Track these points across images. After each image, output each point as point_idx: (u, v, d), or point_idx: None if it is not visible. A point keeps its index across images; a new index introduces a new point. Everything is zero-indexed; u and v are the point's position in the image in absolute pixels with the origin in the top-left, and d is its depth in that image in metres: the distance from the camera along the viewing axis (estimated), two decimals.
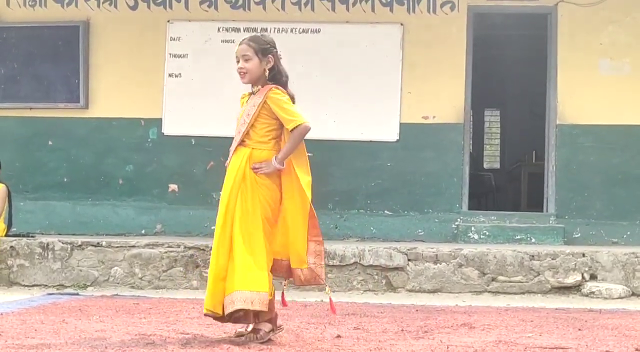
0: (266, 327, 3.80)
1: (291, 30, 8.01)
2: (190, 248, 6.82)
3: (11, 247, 6.95)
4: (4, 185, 7.31)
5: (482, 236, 7.76)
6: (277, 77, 3.92)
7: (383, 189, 8.03)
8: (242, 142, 3.93)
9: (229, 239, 3.80)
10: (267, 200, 3.84)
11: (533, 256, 6.59)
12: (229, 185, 3.88)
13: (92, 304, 5.57)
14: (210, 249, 6.82)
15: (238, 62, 3.92)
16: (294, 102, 3.92)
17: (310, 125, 3.85)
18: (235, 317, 3.78)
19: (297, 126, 3.80)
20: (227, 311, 3.73)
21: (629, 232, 7.81)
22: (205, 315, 3.86)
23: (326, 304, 4.94)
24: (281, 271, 3.90)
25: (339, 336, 4.06)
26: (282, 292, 3.98)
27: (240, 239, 3.76)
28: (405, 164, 8.01)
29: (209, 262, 6.65)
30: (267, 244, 3.80)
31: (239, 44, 3.92)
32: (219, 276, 3.79)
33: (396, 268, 6.64)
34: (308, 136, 3.88)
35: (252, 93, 3.96)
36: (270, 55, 3.90)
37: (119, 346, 3.67)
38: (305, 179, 3.84)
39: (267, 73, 3.90)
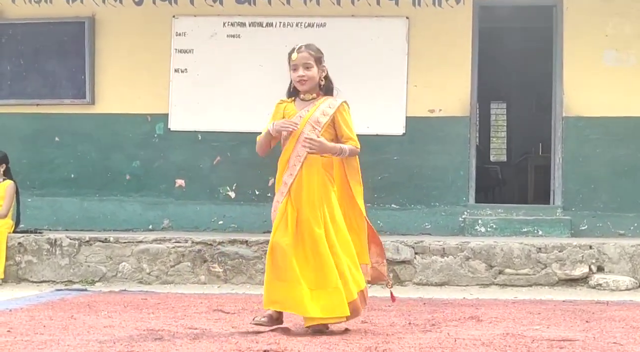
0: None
1: (296, 25, 8.01)
2: (197, 243, 6.84)
3: (19, 243, 6.98)
4: (12, 181, 7.34)
5: (489, 229, 7.76)
6: (330, 86, 4.10)
7: (389, 182, 8.03)
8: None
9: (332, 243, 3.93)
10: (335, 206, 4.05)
11: (540, 249, 6.59)
12: (307, 191, 3.96)
13: (100, 299, 5.60)
14: (218, 244, 6.89)
15: (295, 70, 3.99)
16: None
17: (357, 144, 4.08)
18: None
19: (354, 146, 4.05)
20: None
21: (635, 224, 7.80)
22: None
23: None
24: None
25: (346, 329, 4.07)
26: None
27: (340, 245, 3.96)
28: (412, 157, 8.01)
29: (216, 257, 6.75)
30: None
31: (297, 52, 3.98)
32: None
33: (403, 261, 6.65)
34: None
35: (303, 100, 4.05)
36: (323, 64, 4.06)
37: (127, 342, 3.68)
38: (356, 188, 4.18)
39: (322, 81, 4.05)
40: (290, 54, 4.00)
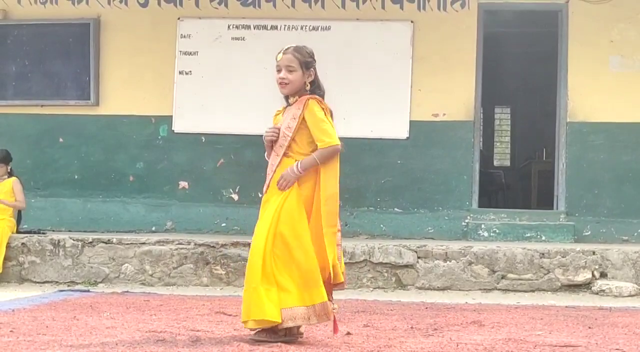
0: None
1: (301, 28, 8.02)
2: (200, 245, 6.85)
3: (22, 244, 6.98)
4: (15, 177, 7.36)
5: (492, 234, 7.75)
6: (316, 91, 3.87)
7: (393, 186, 8.03)
8: (285, 154, 3.84)
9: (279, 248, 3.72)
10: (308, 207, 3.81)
11: (543, 254, 6.57)
12: (273, 197, 3.79)
13: (102, 300, 5.60)
14: (221, 246, 6.88)
15: (279, 71, 3.82)
16: (332, 117, 3.88)
17: (340, 147, 3.82)
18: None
19: (326, 146, 3.77)
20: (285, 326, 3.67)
21: (639, 230, 7.78)
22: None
23: (336, 301, 4.94)
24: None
25: (348, 333, 4.07)
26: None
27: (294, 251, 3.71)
28: (415, 161, 8.01)
29: (219, 259, 6.75)
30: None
31: (283, 53, 3.83)
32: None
33: (406, 266, 6.64)
34: None
35: (289, 105, 3.89)
36: (312, 69, 3.85)
37: (129, 343, 3.68)
38: (328, 190, 3.83)
39: (308, 87, 3.85)
40: (276, 55, 3.87)
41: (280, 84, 3.84)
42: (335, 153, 3.83)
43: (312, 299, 3.64)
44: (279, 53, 3.86)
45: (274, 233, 3.71)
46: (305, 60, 3.83)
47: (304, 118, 3.79)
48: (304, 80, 3.83)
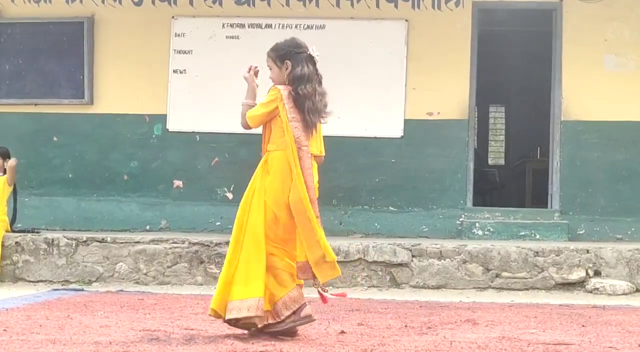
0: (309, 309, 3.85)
1: (295, 26, 8.01)
2: (194, 244, 6.84)
3: (16, 242, 6.97)
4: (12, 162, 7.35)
5: (486, 232, 7.76)
6: (295, 81, 3.88)
7: (387, 185, 8.03)
8: (265, 149, 3.97)
9: (240, 245, 3.84)
10: (275, 204, 3.82)
11: (537, 252, 6.59)
12: (247, 194, 3.93)
13: (97, 299, 5.59)
14: (215, 245, 6.89)
15: None
16: (325, 100, 3.94)
17: (249, 126, 3.97)
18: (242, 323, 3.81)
19: (245, 115, 3.96)
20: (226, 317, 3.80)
21: (633, 229, 7.80)
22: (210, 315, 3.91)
23: (331, 300, 4.94)
24: (307, 272, 3.81)
25: (342, 332, 4.07)
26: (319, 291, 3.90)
27: (246, 246, 3.82)
28: (410, 160, 8.01)
29: (213, 258, 6.75)
30: (270, 249, 3.80)
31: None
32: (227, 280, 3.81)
33: (400, 264, 6.65)
34: None
35: None
36: (287, 61, 3.89)
37: (123, 342, 3.68)
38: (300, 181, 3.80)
39: (286, 79, 3.90)
40: None
41: None
42: (242, 121, 4.01)
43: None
44: None
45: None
46: (278, 55, 3.92)
47: (275, 108, 3.87)
48: (282, 75, 3.91)
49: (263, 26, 8.06)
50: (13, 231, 7.20)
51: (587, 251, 6.59)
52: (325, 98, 3.96)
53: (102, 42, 8.28)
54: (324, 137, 4.06)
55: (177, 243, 6.87)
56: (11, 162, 7.26)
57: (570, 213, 7.86)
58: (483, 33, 8.34)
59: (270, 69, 3.94)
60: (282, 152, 3.84)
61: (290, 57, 3.89)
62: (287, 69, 3.89)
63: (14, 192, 7.38)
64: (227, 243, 6.74)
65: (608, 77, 7.87)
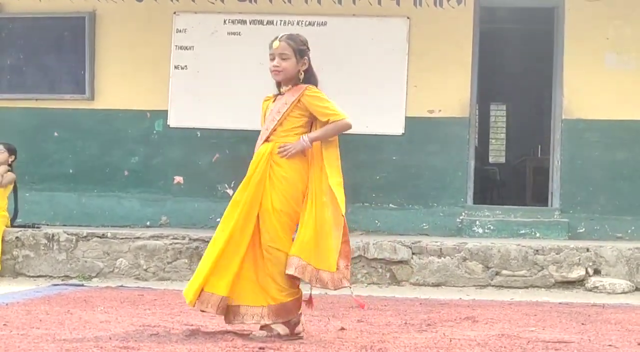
0: (280, 329, 3.73)
1: (297, 23, 8.00)
2: (195, 240, 6.85)
3: (17, 238, 6.98)
4: (12, 174, 7.35)
5: (486, 230, 7.75)
6: (310, 80, 3.88)
7: (388, 182, 8.03)
8: (266, 139, 3.86)
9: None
10: (285, 196, 3.74)
11: (537, 251, 6.59)
12: (246, 182, 3.80)
13: (97, 295, 5.60)
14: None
15: (273, 59, 3.82)
16: None
17: (351, 123, 3.84)
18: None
19: (335, 120, 3.80)
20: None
21: (633, 227, 7.80)
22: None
23: (330, 297, 4.95)
24: (306, 273, 3.67)
25: (342, 329, 4.07)
26: (310, 294, 3.84)
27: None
28: (411, 157, 8.00)
29: None
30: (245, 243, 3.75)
31: (278, 40, 3.81)
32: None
33: (400, 261, 6.65)
34: None
35: (280, 93, 3.89)
36: (306, 57, 3.86)
37: (123, 337, 3.68)
38: (335, 179, 3.79)
39: (301, 75, 3.85)
40: (270, 43, 3.86)
41: (273, 71, 3.84)
42: (345, 128, 3.85)
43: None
44: (273, 41, 3.85)
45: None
46: (299, 48, 3.84)
47: (297, 105, 3.81)
48: (297, 69, 3.84)
49: (265, 23, 8.05)
50: (13, 226, 7.21)
51: (587, 250, 6.59)
52: None
53: (103, 38, 8.27)
54: None
55: (178, 239, 6.87)
56: (9, 175, 7.25)
57: (571, 211, 7.86)
58: (485, 31, 8.33)
59: (287, 58, 3.79)
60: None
61: (307, 54, 3.87)
62: (304, 65, 3.85)
63: (15, 188, 7.38)
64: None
65: (609, 75, 7.86)
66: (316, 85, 3.89)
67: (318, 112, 3.82)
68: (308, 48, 3.88)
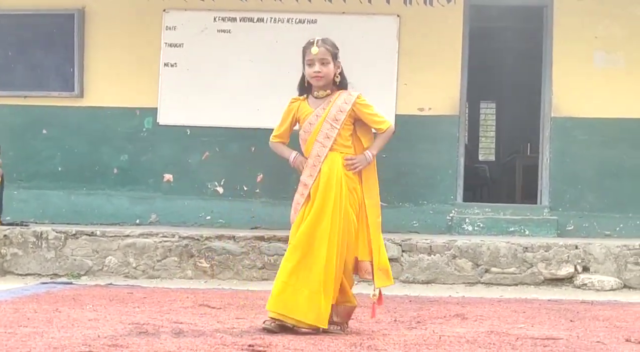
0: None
1: (287, 21, 7.99)
2: (184, 238, 6.83)
3: (5, 236, 6.94)
4: None
5: (476, 228, 7.78)
6: (344, 82, 3.99)
7: (378, 180, 8.01)
8: (331, 148, 3.91)
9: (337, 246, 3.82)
10: (354, 205, 3.94)
11: (526, 248, 6.61)
12: (331, 191, 3.84)
13: (85, 293, 5.58)
14: (205, 239, 6.86)
15: (311, 65, 3.88)
16: None
17: (391, 127, 4.06)
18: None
19: (388, 127, 4.00)
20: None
21: (621, 225, 7.84)
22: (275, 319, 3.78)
23: None
24: (365, 272, 3.95)
25: (333, 324, 4.06)
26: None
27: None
28: (401, 155, 7.99)
29: (203, 252, 6.73)
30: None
31: (316, 46, 3.86)
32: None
33: (390, 259, 6.56)
34: None
35: (317, 97, 3.94)
36: (339, 60, 3.95)
37: (112, 335, 3.67)
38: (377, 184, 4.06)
39: (337, 78, 3.94)
40: (306, 49, 3.89)
41: (315, 77, 3.88)
42: (392, 134, 4.08)
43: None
44: (310, 47, 3.89)
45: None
46: (334, 52, 3.93)
47: (354, 113, 3.92)
48: (334, 72, 3.92)
49: (255, 20, 8.03)
50: (1, 224, 7.17)
51: (576, 247, 6.62)
52: None
53: (92, 35, 8.24)
54: None
55: (167, 237, 6.86)
56: None
57: (560, 209, 7.89)
58: (474, 29, 8.34)
59: (327, 63, 3.87)
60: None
61: (339, 57, 3.96)
62: (338, 68, 3.94)
63: (1, 185, 7.34)
64: (218, 237, 6.78)
65: (598, 74, 7.89)
66: (346, 88, 4.00)
67: (370, 121, 3.98)
68: (339, 50, 3.97)
